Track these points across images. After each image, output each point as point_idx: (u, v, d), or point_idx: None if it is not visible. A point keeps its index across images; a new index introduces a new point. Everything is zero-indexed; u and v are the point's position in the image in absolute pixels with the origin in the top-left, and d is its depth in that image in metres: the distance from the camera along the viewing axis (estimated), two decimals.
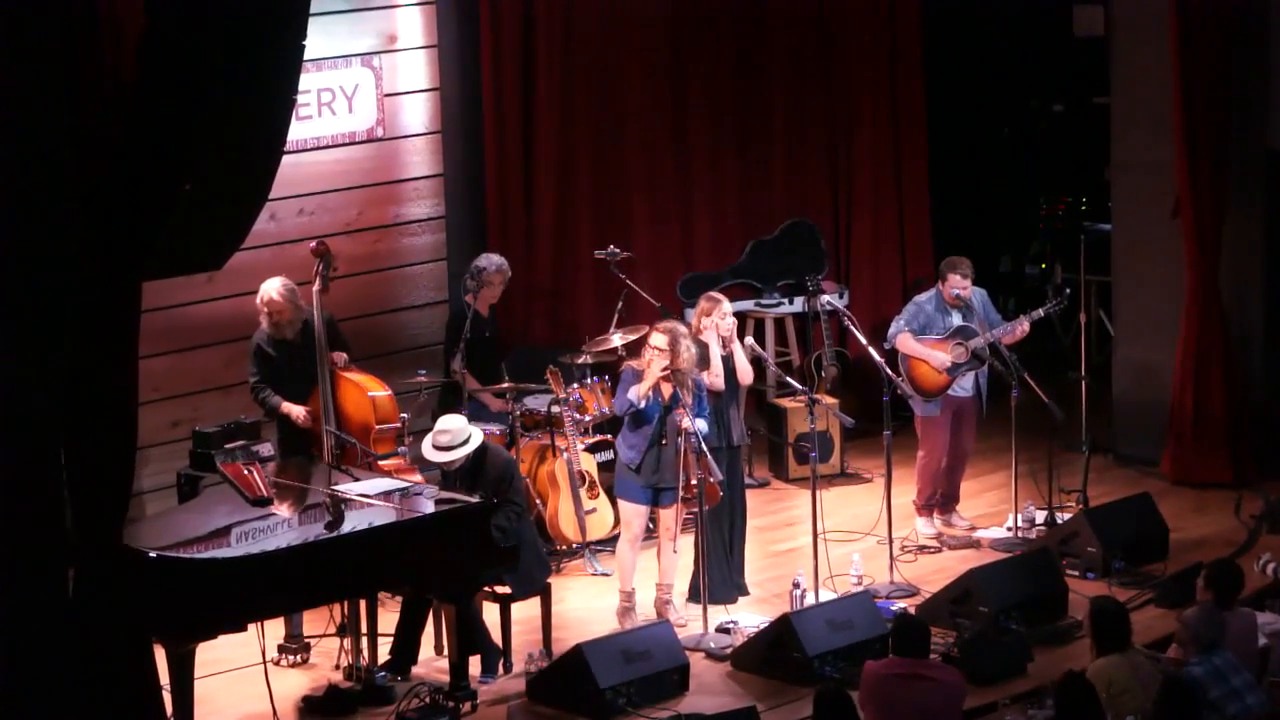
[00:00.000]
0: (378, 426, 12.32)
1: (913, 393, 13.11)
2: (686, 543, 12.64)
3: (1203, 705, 9.61)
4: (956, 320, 13.18)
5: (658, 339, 11.92)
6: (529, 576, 11.63)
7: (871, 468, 14.51)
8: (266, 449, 12.31)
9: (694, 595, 12.33)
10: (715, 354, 12.26)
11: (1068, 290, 13.88)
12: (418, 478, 12.20)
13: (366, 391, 12.37)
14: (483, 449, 11.62)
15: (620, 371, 12.04)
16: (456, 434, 11.50)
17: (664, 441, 11.90)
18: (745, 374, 12.48)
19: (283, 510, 11.09)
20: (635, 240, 14.97)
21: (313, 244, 12.42)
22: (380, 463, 12.21)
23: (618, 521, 12.45)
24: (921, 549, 13.23)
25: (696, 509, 12.05)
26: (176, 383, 13.27)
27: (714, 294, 12.56)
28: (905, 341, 13.17)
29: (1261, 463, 14.26)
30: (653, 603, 12.22)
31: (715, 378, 12.25)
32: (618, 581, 12.23)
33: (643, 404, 11.87)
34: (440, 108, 14.56)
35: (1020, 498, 13.42)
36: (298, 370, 12.33)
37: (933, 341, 13.15)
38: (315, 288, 12.27)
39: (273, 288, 12.31)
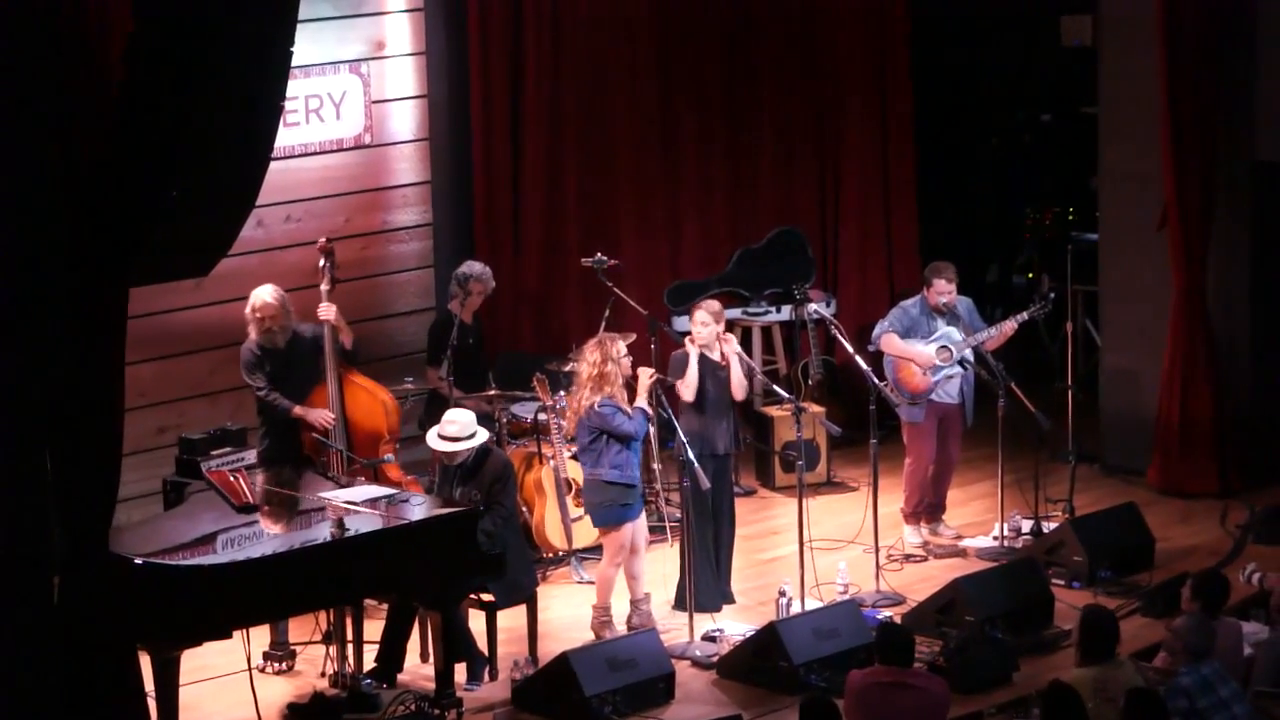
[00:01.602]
0: (389, 436, 12.35)
1: (899, 400, 13.11)
2: (672, 552, 12.68)
3: (1192, 715, 9.61)
4: (941, 325, 13.18)
5: (623, 346, 11.97)
6: (515, 584, 11.62)
7: (858, 476, 14.51)
8: (252, 456, 12.33)
9: (679, 603, 12.34)
10: (693, 364, 12.26)
11: (1052, 294, 13.88)
12: (410, 479, 12.23)
13: (379, 397, 12.38)
14: (486, 450, 11.64)
15: (597, 412, 11.86)
16: (464, 426, 11.54)
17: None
18: (739, 388, 12.44)
19: (268, 517, 11.09)
20: (623, 248, 14.97)
21: (321, 241, 12.44)
22: (384, 469, 12.23)
23: None
24: (908, 558, 13.23)
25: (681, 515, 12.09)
26: (163, 389, 13.26)
27: (710, 301, 12.58)
28: (890, 342, 13.17)
29: (1247, 473, 14.27)
30: (628, 619, 12.17)
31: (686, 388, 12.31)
32: (594, 598, 12.17)
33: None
34: (428, 115, 14.56)
35: (1006, 507, 13.42)
36: (289, 379, 12.28)
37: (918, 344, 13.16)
38: (324, 287, 12.28)
39: (265, 293, 12.25)
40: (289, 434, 12.30)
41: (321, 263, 12.34)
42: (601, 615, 12.06)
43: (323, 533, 10.90)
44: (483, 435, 11.63)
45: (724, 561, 12.57)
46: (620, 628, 12.06)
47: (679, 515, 12.59)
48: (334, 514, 11.02)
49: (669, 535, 13.11)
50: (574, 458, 13.12)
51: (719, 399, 12.37)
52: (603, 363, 11.85)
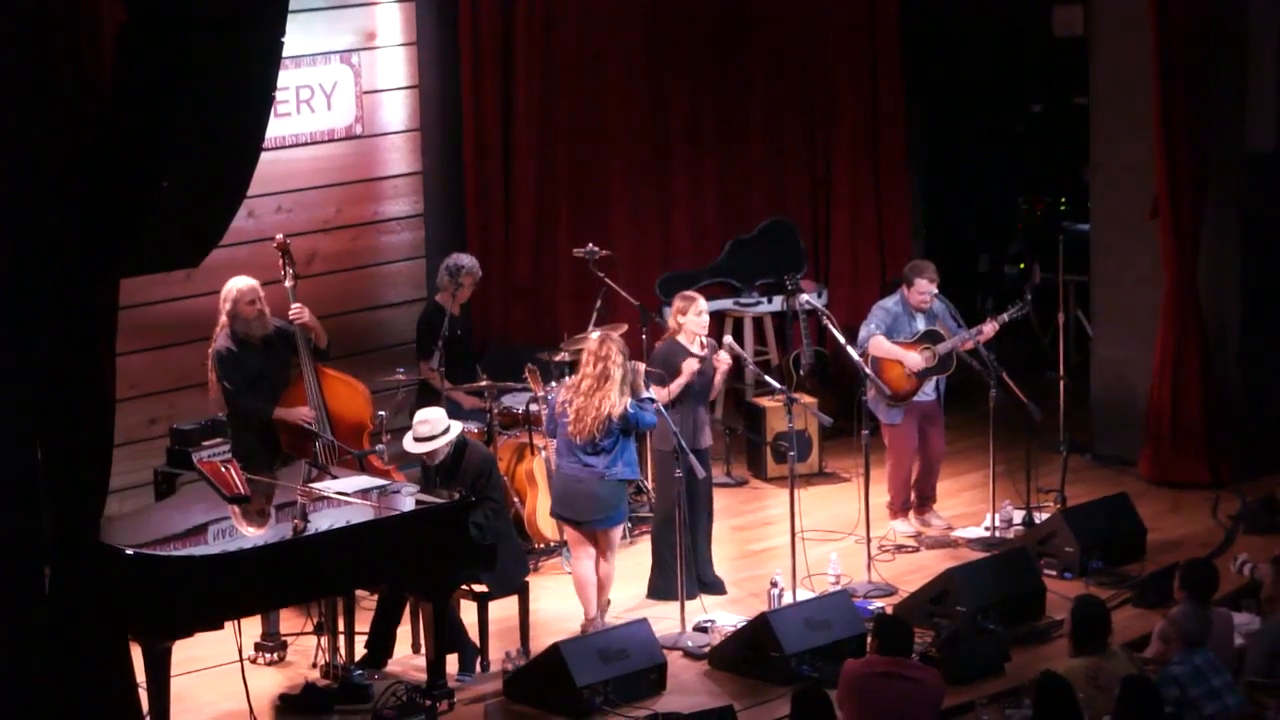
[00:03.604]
0: (371, 426, 12.33)
1: (889, 393, 13.11)
2: (644, 545, 12.75)
3: (1183, 704, 9.63)
4: (922, 325, 13.18)
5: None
6: (506, 575, 11.62)
7: (849, 467, 14.51)
8: None
9: (652, 593, 12.43)
10: (684, 380, 12.26)
11: (1029, 296, 13.87)
12: (399, 477, 12.20)
13: (356, 388, 12.35)
14: (462, 444, 11.61)
15: (631, 414, 11.69)
16: (436, 424, 11.50)
17: None
18: (716, 387, 12.50)
19: (260, 508, 11.08)
20: (614, 239, 14.97)
21: (278, 238, 12.38)
22: (371, 459, 12.20)
23: None
24: (900, 548, 13.23)
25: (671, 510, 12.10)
26: (154, 380, 13.25)
27: (688, 293, 12.59)
28: (878, 344, 13.15)
29: (1238, 463, 14.28)
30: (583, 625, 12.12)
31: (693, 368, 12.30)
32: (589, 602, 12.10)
33: None
34: (419, 105, 14.55)
35: (998, 497, 13.43)
36: (265, 377, 12.19)
37: (902, 345, 13.15)
38: (288, 284, 12.24)
39: (241, 280, 12.15)
40: (265, 435, 12.18)
41: (280, 260, 12.30)
42: (605, 613, 12.04)
43: (314, 524, 10.88)
44: (456, 429, 11.59)
45: (704, 549, 12.55)
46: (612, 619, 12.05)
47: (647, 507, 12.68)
48: (323, 505, 11.01)
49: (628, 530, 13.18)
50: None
51: (702, 393, 12.38)
52: (626, 362, 11.75)
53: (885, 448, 13.43)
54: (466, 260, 13.52)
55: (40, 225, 9.40)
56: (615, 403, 11.63)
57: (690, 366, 12.19)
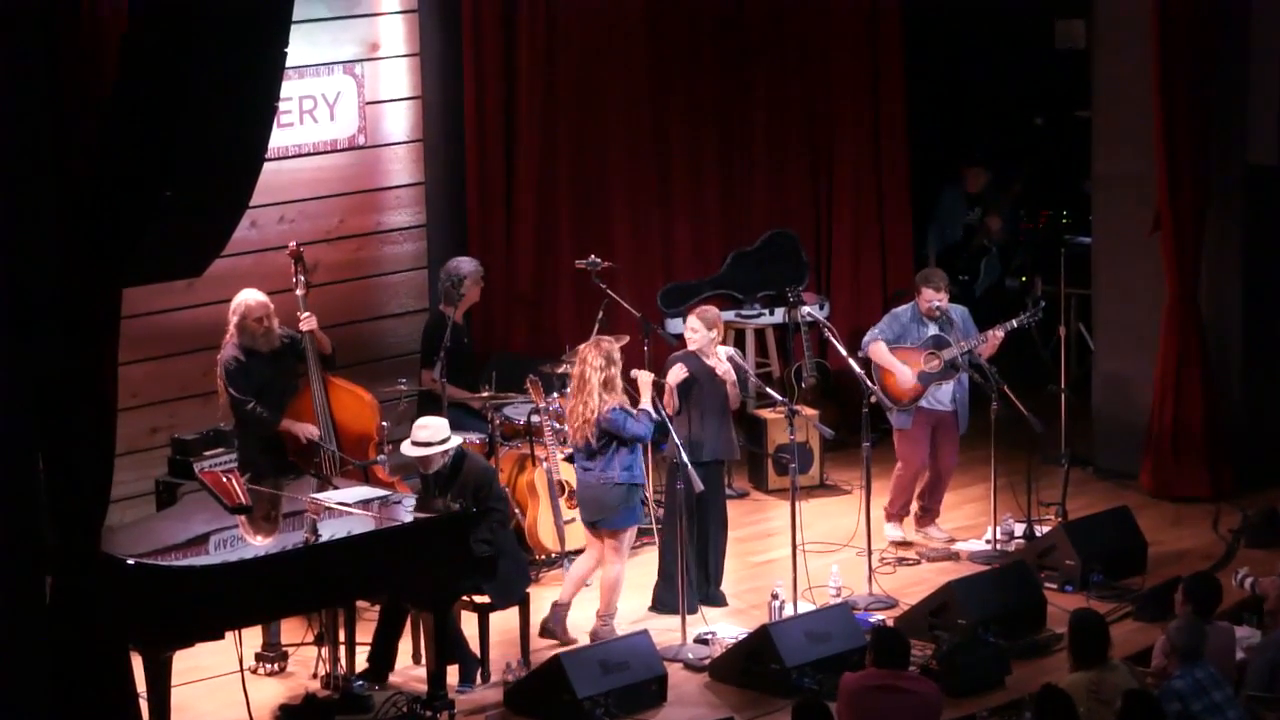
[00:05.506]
0: (376, 437, 12.34)
1: (889, 403, 13.13)
2: (650, 555, 12.72)
3: (1185, 718, 9.63)
4: (932, 331, 13.19)
5: (617, 347, 11.97)
6: (508, 586, 11.62)
7: (851, 479, 14.51)
8: None
9: (656, 605, 12.42)
10: (671, 387, 12.28)
11: (1043, 302, 13.89)
12: (403, 488, 12.21)
13: (364, 398, 12.36)
14: (461, 456, 11.60)
15: (607, 417, 11.80)
16: (436, 431, 11.49)
17: None
18: (734, 398, 12.51)
19: (260, 518, 11.09)
20: (616, 250, 14.97)
21: (291, 246, 12.42)
22: (375, 470, 12.21)
23: None
24: (900, 561, 13.22)
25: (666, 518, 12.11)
26: (155, 389, 13.25)
27: (706, 307, 12.62)
28: (876, 350, 13.19)
29: (1239, 477, 14.28)
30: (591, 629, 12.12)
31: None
32: (599, 604, 12.13)
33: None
34: (422, 116, 14.56)
35: (999, 510, 13.42)
36: (272, 386, 12.23)
37: (906, 351, 13.16)
38: (299, 292, 12.27)
39: (253, 293, 12.21)
40: (271, 445, 12.21)
41: (293, 267, 12.33)
42: (609, 620, 12.02)
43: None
44: (455, 441, 11.58)
45: (714, 566, 12.57)
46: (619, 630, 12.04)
47: (659, 517, 12.65)
48: (325, 516, 11.01)
49: (655, 537, 13.15)
50: (567, 459, 13.07)
51: (712, 406, 12.37)
52: (607, 366, 11.81)
53: (895, 453, 13.44)
54: (466, 267, 13.49)
55: (42, 234, 9.40)
56: (595, 405, 11.69)
57: (676, 374, 12.21)
